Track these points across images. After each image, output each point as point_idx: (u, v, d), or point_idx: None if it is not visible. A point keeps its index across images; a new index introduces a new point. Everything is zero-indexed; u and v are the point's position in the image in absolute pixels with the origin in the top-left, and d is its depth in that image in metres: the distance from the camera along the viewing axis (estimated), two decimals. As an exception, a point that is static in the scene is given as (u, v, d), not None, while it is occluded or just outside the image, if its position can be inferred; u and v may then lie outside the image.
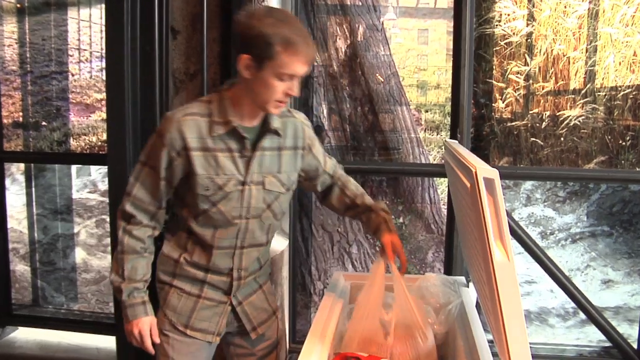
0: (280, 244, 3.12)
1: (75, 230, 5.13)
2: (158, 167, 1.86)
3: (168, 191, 1.92)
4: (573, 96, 4.23)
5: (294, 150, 2.03)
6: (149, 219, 1.94)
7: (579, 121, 4.19)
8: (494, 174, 1.42)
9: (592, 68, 3.84)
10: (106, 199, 4.85)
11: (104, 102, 4.84)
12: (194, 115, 1.84)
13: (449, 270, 2.98)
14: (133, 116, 2.75)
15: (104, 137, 4.93)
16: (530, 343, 1.43)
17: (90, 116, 5.11)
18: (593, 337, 4.09)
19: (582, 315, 3.43)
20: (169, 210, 2.02)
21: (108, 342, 3.35)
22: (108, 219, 2.87)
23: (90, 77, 4.90)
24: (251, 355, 2.18)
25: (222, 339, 2.11)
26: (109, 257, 3.93)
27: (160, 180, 1.88)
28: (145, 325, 1.95)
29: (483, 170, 1.43)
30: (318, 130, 5.02)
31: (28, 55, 4.08)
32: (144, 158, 1.89)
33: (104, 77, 2.89)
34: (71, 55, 4.48)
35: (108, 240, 3.22)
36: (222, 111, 1.86)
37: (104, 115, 4.59)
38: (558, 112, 4.49)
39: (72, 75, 4.59)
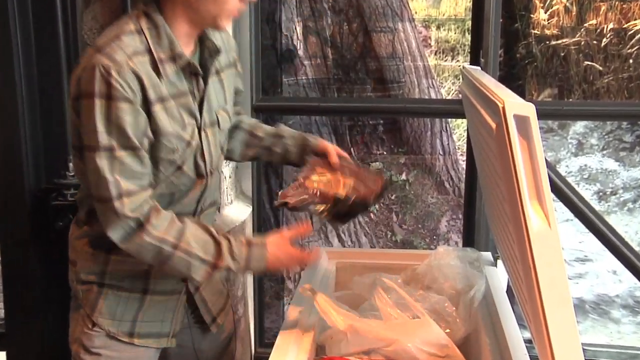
0: (240, 211, 3.13)
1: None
2: (130, 139, 1.80)
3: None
4: (652, -1, 4.23)
5: (229, 69, 2.12)
6: (150, 196, 1.89)
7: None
8: (528, 109, 1.43)
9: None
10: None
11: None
12: (137, 55, 1.81)
13: (469, 244, 3.02)
14: (23, 37, 2.72)
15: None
16: (584, 344, 1.46)
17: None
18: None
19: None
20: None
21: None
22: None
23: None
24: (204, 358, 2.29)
25: None
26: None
27: (143, 152, 1.86)
28: (278, 243, 1.99)
29: (514, 105, 1.44)
30: (289, 56, 4.99)
31: None
32: (105, 140, 1.80)
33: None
34: None
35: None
36: (164, 42, 1.86)
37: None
38: (626, 23, 4.50)
39: None
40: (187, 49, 1.92)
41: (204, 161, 1.99)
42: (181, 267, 1.88)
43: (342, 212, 2.04)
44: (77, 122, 1.84)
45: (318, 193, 2.03)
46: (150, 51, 1.83)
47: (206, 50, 1.98)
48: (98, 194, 1.82)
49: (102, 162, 1.78)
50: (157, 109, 1.83)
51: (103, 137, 1.77)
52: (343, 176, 2.13)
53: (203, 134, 1.97)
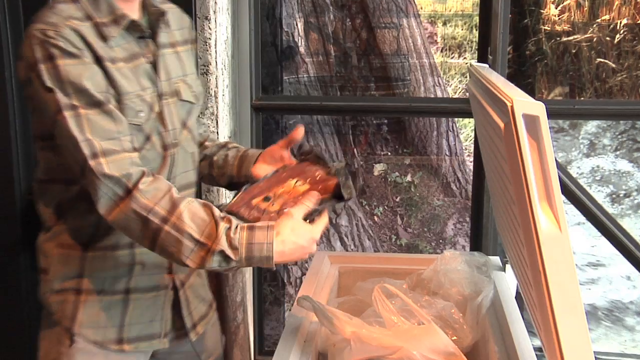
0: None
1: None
2: (91, 94, 1.74)
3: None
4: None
5: (186, 45, 2.10)
6: (139, 164, 1.80)
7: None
8: (538, 108, 1.43)
9: None
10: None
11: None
12: (75, 19, 1.78)
13: (477, 248, 3.02)
14: (14, 37, 2.73)
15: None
16: (596, 353, 1.46)
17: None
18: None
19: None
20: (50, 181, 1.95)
21: None
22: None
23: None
24: None
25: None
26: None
27: (112, 107, 1.78)
28: (290, 225, 1.81)
29: (523, 104, 1.44)
30: (290, 53, 5.00)
31: None
32: (65, 100, 1.72)
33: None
34: None
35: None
36: (103, 8, 1.83)
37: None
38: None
39: None
40: (130, 14, 1.88)
41: (166, 130, 1.93)
42: (171, 247, 1.73)
43: (345, 182, 1.94)
44: (36, 104, 1.78)
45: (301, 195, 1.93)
46: (89, 17, 1.80)
47: (151, 16, 1.95)
48: (74, 160, 1.73)
49: (69, 123, 1.71)
50: (112, 67, 1.78)
51: (61, 98, 1.70)
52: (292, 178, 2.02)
53: (164, 101, 1.93)
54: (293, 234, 1.78)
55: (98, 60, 1.76)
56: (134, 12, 1.90)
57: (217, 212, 1.76)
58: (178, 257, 1.74)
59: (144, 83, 1.88)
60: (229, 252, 1.72)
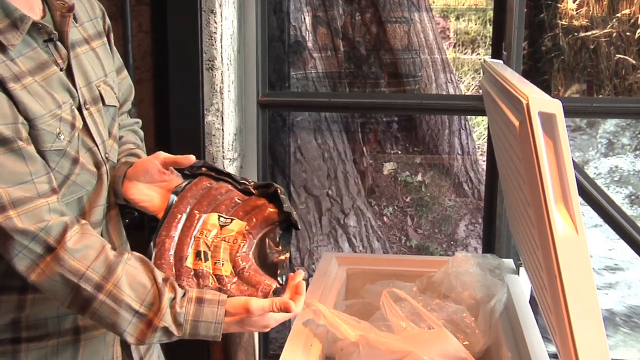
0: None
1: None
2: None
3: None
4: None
5: (100, 39, 1.87)
6: (59, 211, 1.59)
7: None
8: (554, 106, 1.43)
9: None
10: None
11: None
12: None
13: (489, 250, 3.02)
14: None
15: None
16: (613, 360, 1.46)
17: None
18: None
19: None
20: None
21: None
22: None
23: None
24: None
25: None
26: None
27: (22, 144, 1.54)
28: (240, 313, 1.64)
29: (539, 101, 1.44)
30: (298, 48, 5.00)
31: None
32: None
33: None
34: None
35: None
36: None
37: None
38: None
39: None
40: (31, 14, 1.61)
41: (96, 144, 1.71)
42: (106, 318, 1.55)
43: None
44: None
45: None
46: None
47: (57, 12, 1.68)
48: None
49: None
50: (17, 88, 1.52)
51: None
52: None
53: (86, 112, 1.70)
54: (244, 323, 1.64)
55: (0, 83, 1.51)
56: (33, 9, 1.64)
57: (158, 275, 1.60)
58: (113, 329, 1.59)
59: (60, 97, 1.63)
60: (172, 329, 1.58)
